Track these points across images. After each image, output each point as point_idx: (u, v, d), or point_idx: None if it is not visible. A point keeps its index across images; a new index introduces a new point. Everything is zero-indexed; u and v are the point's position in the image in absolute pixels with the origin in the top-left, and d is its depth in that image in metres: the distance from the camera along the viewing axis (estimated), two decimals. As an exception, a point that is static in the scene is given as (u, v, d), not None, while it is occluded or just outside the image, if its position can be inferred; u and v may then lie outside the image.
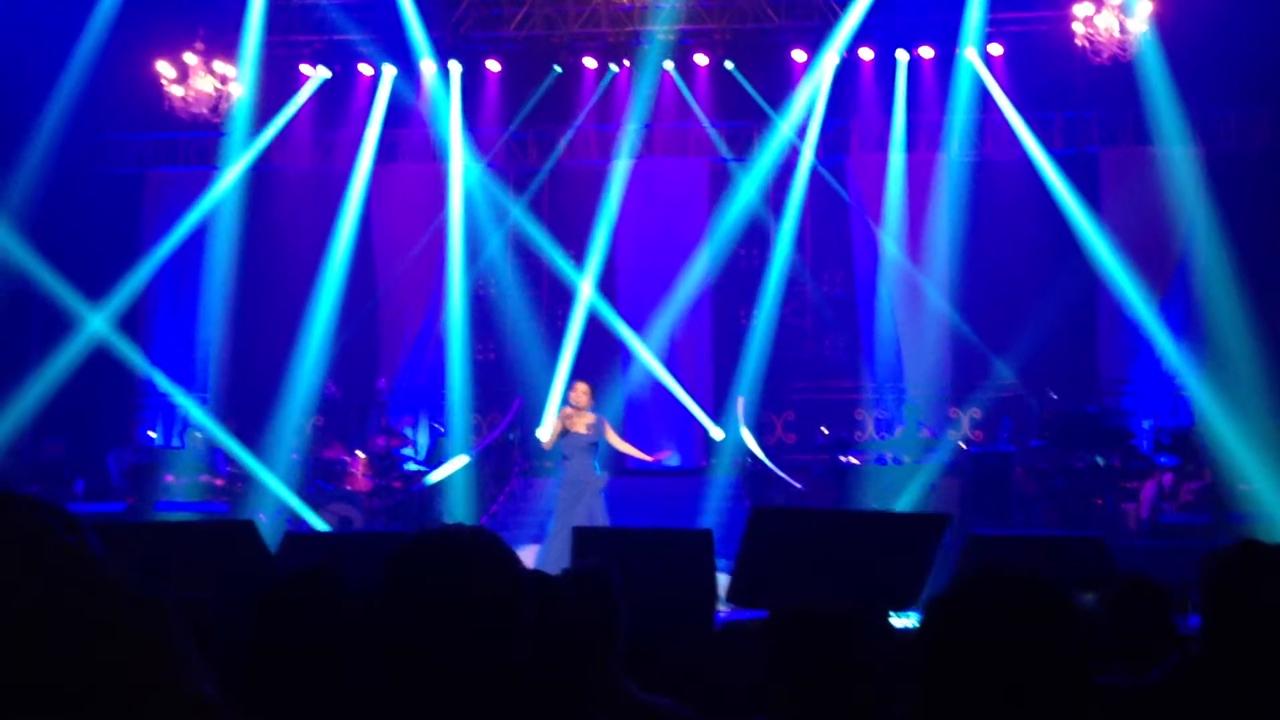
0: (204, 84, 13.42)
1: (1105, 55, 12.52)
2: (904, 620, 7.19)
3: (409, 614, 1.69)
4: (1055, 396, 13.24)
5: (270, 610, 2.27)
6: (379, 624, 1.72)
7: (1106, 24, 12.53)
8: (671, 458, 9.58)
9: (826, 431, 13.64)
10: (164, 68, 13.25)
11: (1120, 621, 3.65)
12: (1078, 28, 12.58)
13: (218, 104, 13.57)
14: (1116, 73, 12.96)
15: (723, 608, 7.08)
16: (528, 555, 11.36)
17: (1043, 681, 1.64)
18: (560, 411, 9.44)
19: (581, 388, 9.36)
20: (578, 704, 2.89)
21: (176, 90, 13.35)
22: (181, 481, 12.51)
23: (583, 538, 6.80)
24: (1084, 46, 12.56)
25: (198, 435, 13.29)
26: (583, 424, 9.23)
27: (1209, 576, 2.36)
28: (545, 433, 9.43)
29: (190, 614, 3.36)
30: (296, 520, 12.12)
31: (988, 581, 1.68)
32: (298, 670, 2.25)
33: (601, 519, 9.00)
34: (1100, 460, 12.01)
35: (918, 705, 1.78)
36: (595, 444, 9.26)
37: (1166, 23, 12.90)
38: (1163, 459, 12.10)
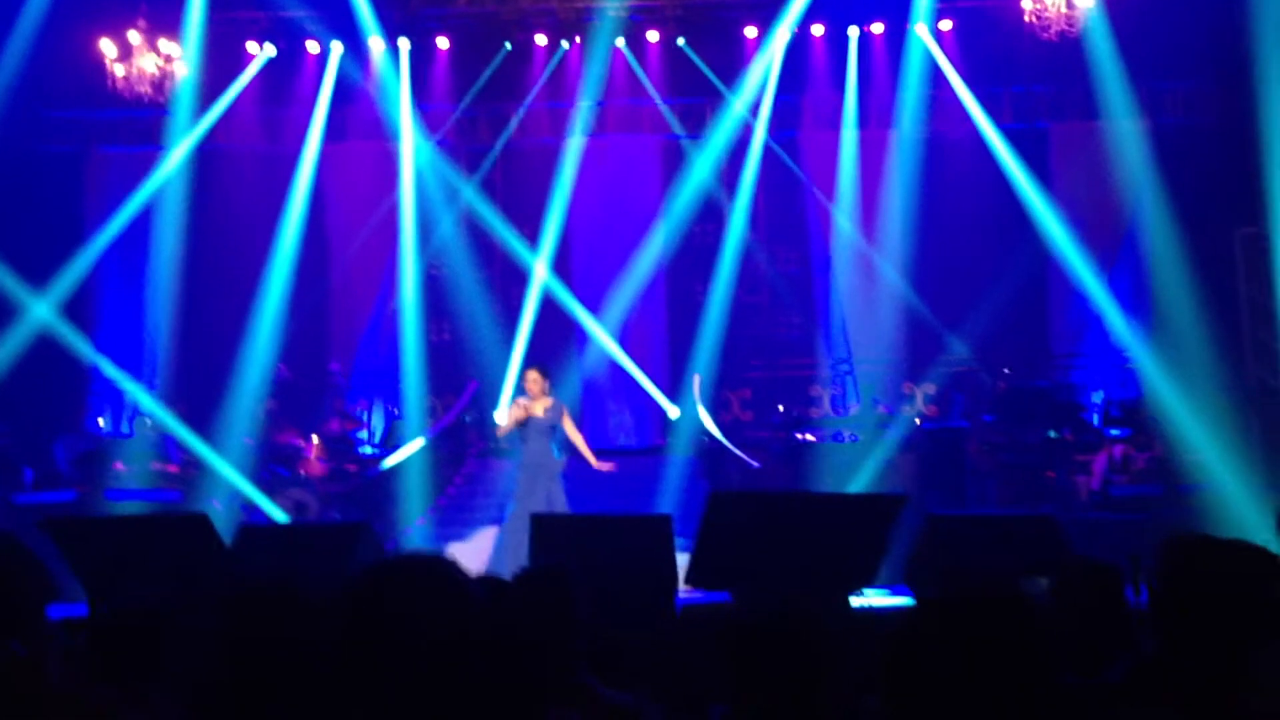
0: (147, 62, 13.14)
1: (1053, 30, 12.58)
2: (862, 600, 7.27)
3: (369, 649, 1.68)
4: (1008, 371, 13.38)
5: (229, 630, 2.24)
6: (339, 657, 1.70)
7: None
8: (612, 468, 9.49)
9: (783, 409, 13.70)
10: (106, 45, 12.96)
11: (1070, 609, 3.69)
12: (1026, 4, 12.63)
13: (162, 82, 13.29)
14: (1065, 48, 13.03)
15: (683, 590, 7.11)
16: (485, 538, 11.35)
17: (1008, 692, 1.64)
18: (515, 402, 9.37)
19: (532, 375, 9.29)
20: (540, 704, 2.88)
21: (119, 68, 13.06)
22: (132, 469, 12.32)
23: (541, 525, 6.79)
24: (1032, 22, 12.61)
25: (147, 422, 13.09)
26: (539, 408, 9.19)
27: (1169, 574, 2.38)
28: (502, 422, 9.36)
29: (149, 622, 3.32)
30: (250, 506, 12.00)
31: (953, 602, 1.68)
32: (258, 689, 2.22)
33: (560, 503, 8.98)
34: (1052, 434, 12.16)
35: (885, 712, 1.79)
36: (553, 427, 9.21)
37: (1114, -2, 13.00)
38: (1112, 431, 12.27)
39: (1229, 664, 2.18)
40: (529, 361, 11.42)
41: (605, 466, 9.35)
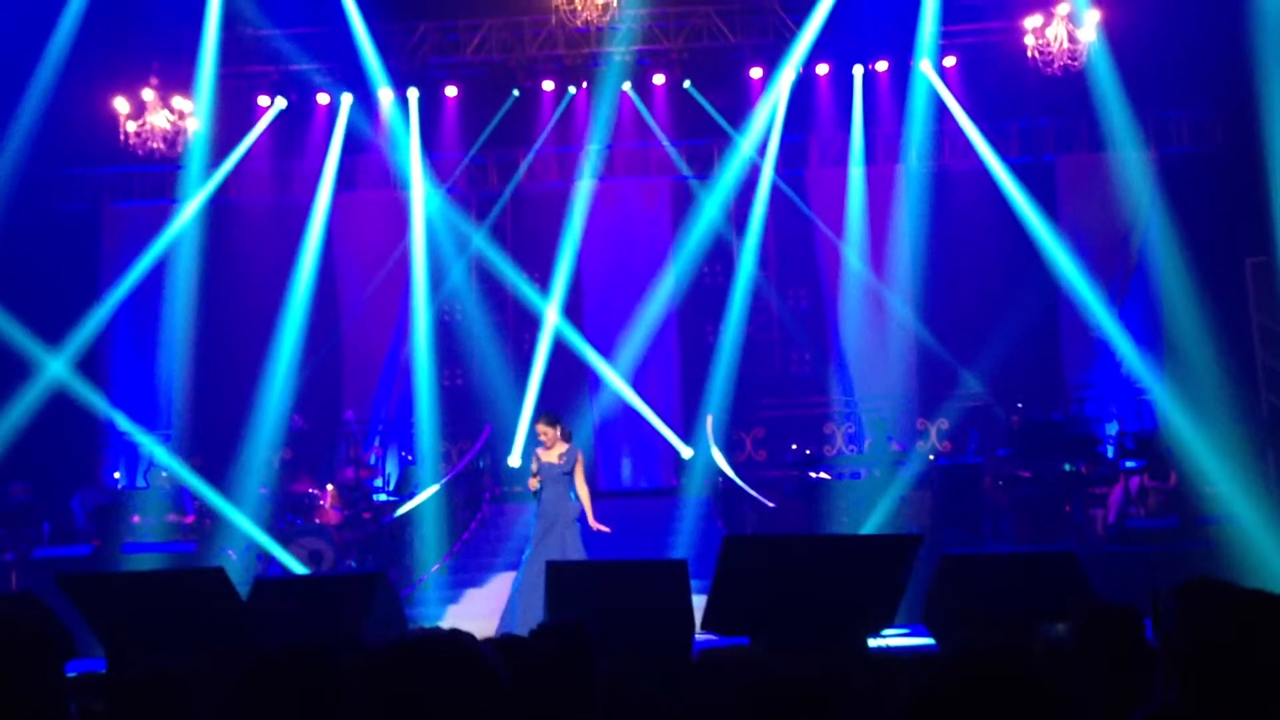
0: (160, 119, 13.31)
1: (1056, 65, 12.67)
2: (880, 641, 7.22)
3: None
4: (1021, 406, 13.35)
5: (247, 698, 2.26)
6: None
7: (1056, 34, 12.68)
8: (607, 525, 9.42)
9: (796, 447, 13.67)
10: (120, 103, 13.13)
11: (1093, 654, 3.67)
12: (1029, 39, 12.72)
13: (174, 138, 13.45)
14: (1069, 81, 13.12)
15: (700, 634, 7.07)
16: (502, 584, 11.33)
17: None
18: (534, 456, 9.40)
19: (542, 426, 9.36)
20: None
21: (132, 125, 13.23)
22: (148, 521, 12.35)
23: (557, 572, 6.77)
24: (1035, 57, 12.70)
25: (163, 474, 13.13)
26: (555, 454, 9.22)
27: (1183, 622, 2.37)
28: (532, 486, 9.34)
29: (171, 685, 3.33)
30: (266, 557, 12.00)
31: (969, 666, 1.69)
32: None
33: (575, 548, 8.95)
34: (1068, 467, 12.11)
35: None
36: (568, 473, 9.22)
37: (1115, 31, 13.07)
38: (1127, 463, 12.22)
39: (1249, 712, 2.17)
40: (538, 412, 11.44)
41: (601, 528, 9.29)
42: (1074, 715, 1.74)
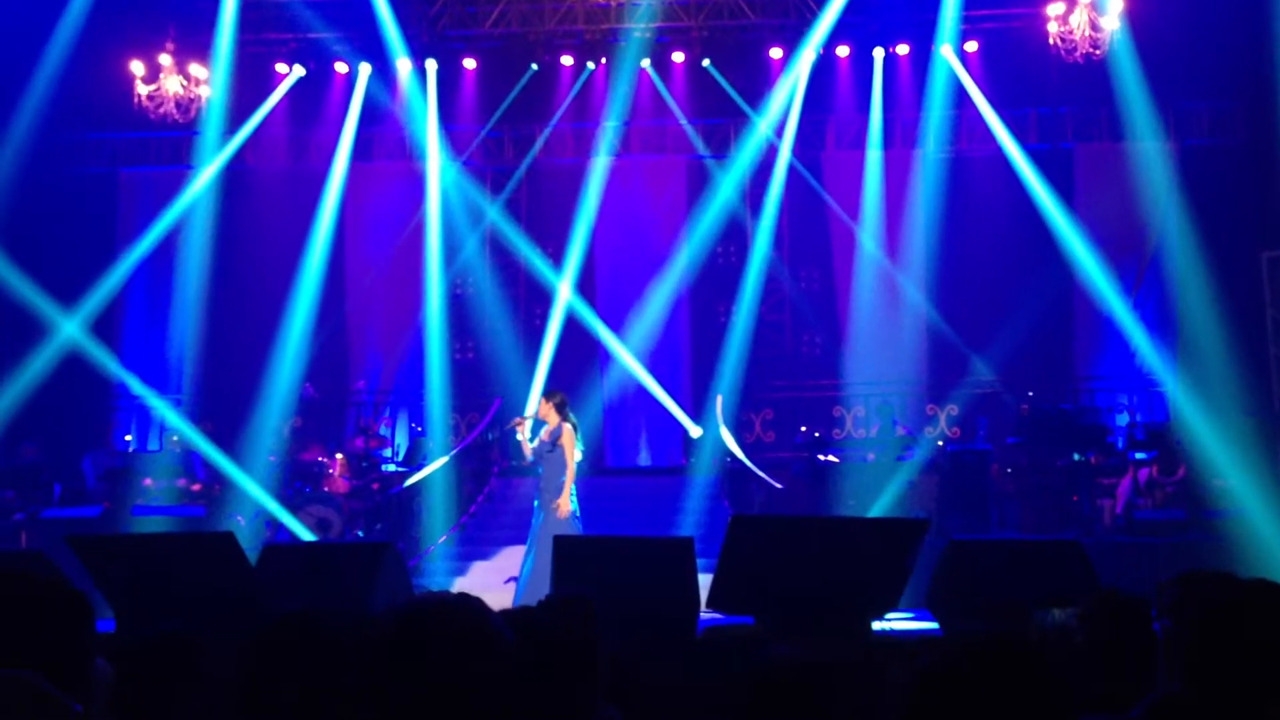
0: (175, 84, 13.31)
1: (1078, 52, 12.58)
2: (884, 624, 7.25)
3: (396, 694, 1.70)
4: (1031, 394, 13.32)
5: (254, 662, 2.28)
6: (371, 699, 1.73)
7: (1079, 21, 12.59)
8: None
9: (805, 429, 13.67)
10: (136, 68, 13.13)
11: (1098, 642, 3.67)
12: (1051, 26, 12.64)
13: (190, 104, 13.45)
14: (1090, 69, 13.03)
15: (705, 613, 7.09)
16: (509, 556, 11.36)
17: None
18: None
19: (541, 401, 9.42)
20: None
21: (145, 90, 13.23)
22: (159, 485, 12.43)
23: (562, 547, 6.80)
24: (1057, 44, 12.61)
25: (174, 438, 13.20)
26: (546, 430, 9.24)
27: (1184, 611, 2.38)
28: (524, 447, 9.38)
29: (180, 647, 3.36)
30: (274, 523, 12.07)
31: (967, 653, 1.70)
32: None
33: (559, 527, 8.89)
34: (1077, 457, 12.09)
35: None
36: (553, 450, 9.20)
37: (1138, 19, 12.98)
38: (1137, 455, 12.19)
39: (1254, 711, 2.18)
40: (552, 381, 11.44)
41: (561, 512, 9.10)
42: (1070, 697, 1.75)
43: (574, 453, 9.14)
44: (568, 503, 9.01)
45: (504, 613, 3.32)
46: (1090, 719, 2.79)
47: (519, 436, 9.42)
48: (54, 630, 1.70)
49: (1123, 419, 13.58)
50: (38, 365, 12.66)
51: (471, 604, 1.81)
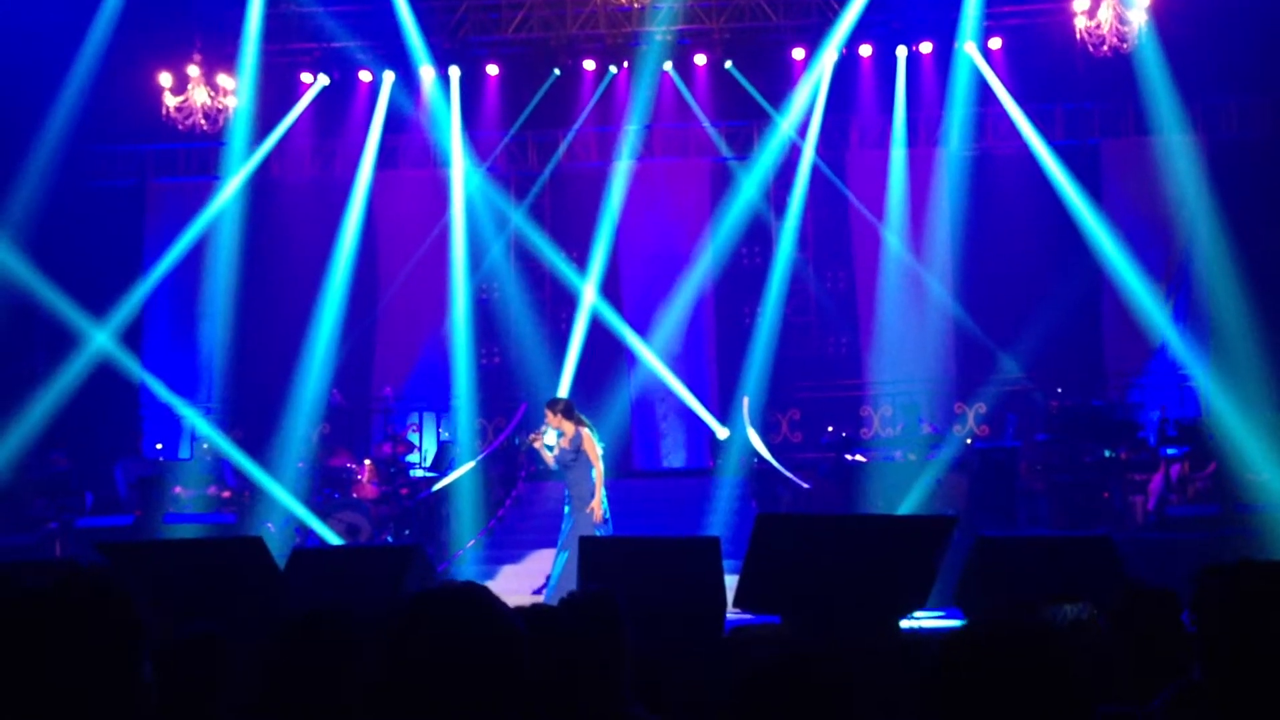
0: (203, 95, 13.42)
1: (1105, 47, 12.49)
2: (913, 623, 7.21)
3: (408, 679, 1.71)
4: (1061, 391, 13.22)
5: (281, 656, 2.30)
6: (382, 692, 1.74)
7: (1106, 15, 12.50)
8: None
9: (832, 429, 13.62)
10: (164, 79, 13.25)
11: (1127, 634, 3.65)
12: (1079, 21, 12.55)
13: (217, 114, 13.56)
14: (1116, 64, 12.94)
15: (731, 612, 7.08)
16: (537, 560, 11.37)
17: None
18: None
19: (547, 414, 9.42)
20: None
21: (173, 101, 13.35)
22: (189, 493, 12.52)
23: (589, 547, 6.80)
24: (1083, 38, 12.53)
25: (204, 446, 13.31)
26: (566, 439, 9.27)
27: (1208, 599, 2.35)
28: (546, 456, 9.41)
29: (207, 649, 3.39)
30: (304, 530, 12.14)
31: (986, 636, 1.69)
32: (309, 712, 2.27)
33: (586, 530, 8.91)
34: (1107, 453, 11.98)
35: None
36: (576, 457, 9.22)
37: (1165, 13, 12.86)
38: (1169, 450, 12.07)
39: (1272, 691, 2.15)
40: (576, 386, 11.44)
41: (596, 516, 9.13)
42: (1090, 686, 1.73)
43: (597, 454, 9.18)
44: (600, 505, 9.04)
45: (528, 609, 3.33)
46: (1111, 709, 2.76)
47: (537, 447, 9.45)
48: (107, 634, 1.70)
49: (1154, 415, 13.45)
50: (68, 375, 12.79)
51: (477, 592, 1.82)
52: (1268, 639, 2.19)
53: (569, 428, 9.27)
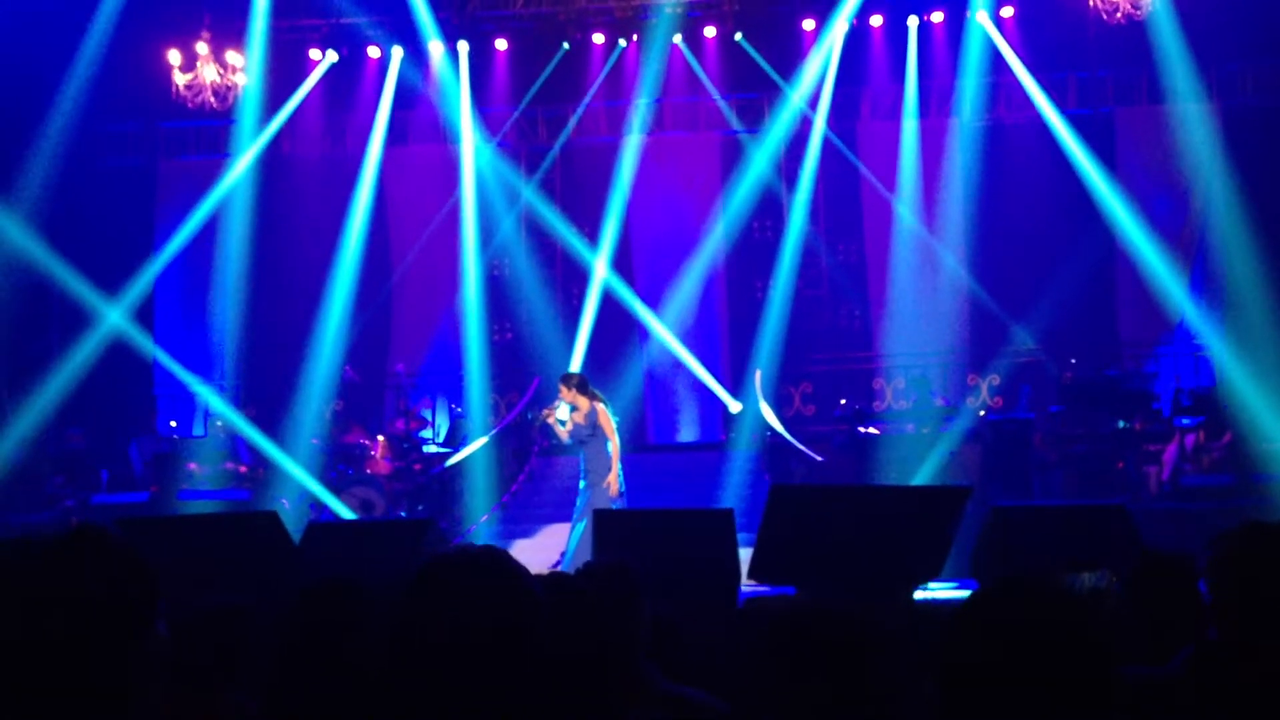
0: (212, 73, 13.39)
1: (1119, 14, 12.36)
2: (927, 594, 7.21)
3: (426, 650, 1.70)
4: (1074, 361, 13.16)
5: (295, 630, 2.30)
6: (398, 655, 1.74)
7: (1119, -18, 12.37)
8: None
9: (845, 402, 13.60)
10: (173, 57, 13.22)
11: (1144, 601, 3.63)
12: (1091, -13, 12.43)
13: (227, 92, 13.53)
14: (1130, 31, 12.81)
15: (745, 584, 7.09)
16: (551, 535, 11.41)
17: (1061, 680, 1.63)
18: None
19: (560, 387, 9.42)
20: (606, 699, 2.90)
21: (182, 79, 13.32)
22: (204, 470, 12.58)
23: (603, 520, 6.81)
24: (1096, 5, 12.40)
25: (219, 423, 13.36)
26: (581, 414, 9.26)
27: (1221, 561, 2.34)
28: (560, 432, 9.42)
29: (231, 622, 3.40)
30: (318, 505, 12.19)
31: (1005, 594, 1.68)
32: (328, 676, 2.28)
33: (602, 504, 8.91)
34: (1121, 424, 11.94)
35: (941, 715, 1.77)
36: (594, 433, 9.22)
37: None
38: (1183, 420, 12.03)
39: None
40: (589, 360, 11.43)
41: (613, 491, 9.15)
42: (1111, 652, 1.71)
43: (613, 428, 9.19)
44: (617, 479, 9.06)
45: (547, 576, 3.33)
46: (1131, 669, 2.75)
47: (550, 423, 9.46)
48: (116, 581, 1.70)
49: (1168, 385, 13.39)
50: (82, 353, 12.84)
51: (497, 554, 1.82)
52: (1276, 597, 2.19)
53: (583, 402, 9.27)
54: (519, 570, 1.82)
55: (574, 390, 9.34)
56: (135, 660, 1.66)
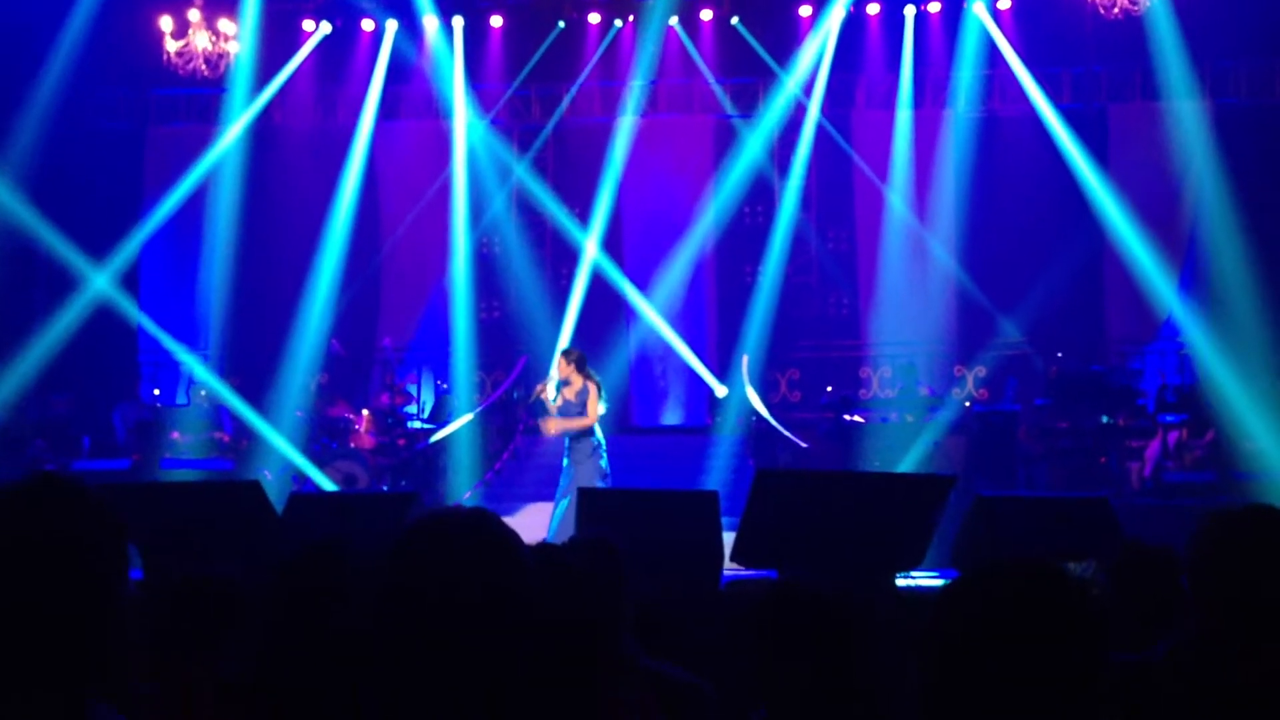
0: (204, 40, 13.28)
1: (1116, 9, 12.37)
2: (909, 581, 7.24)
3: (412, 609, 1.69)
4: (1061, 355, 13.21)
5: (287, 586, 2.29)
6: (382, 619, 1.72)
7: (1117, -23, 12.37)
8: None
9: (831, 390, 13.63)
10: (165, 24, 13.11)
11: (1126, 592, 3.66)
12: (1090, -18, 12.42)
13: (218, 60, 13.43)
14: (1126, 27, 12.82)
15: (729, 567, 7.11)
16: (534, 514, 11.39)
17: (1053, 671, 1.62)
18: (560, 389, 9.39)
19: (560, 361, 9.41)
20: (589, 674, 2.90)
21: (174, 45, 13.21)
22: (187, 439, 12.54)
23: (587, 499, 6.82)
24: (1094, 0, 12.40)
25: (202, 392, 13.31)
26: (572, 392, 9.24)
27: (1210, 544, 2.35)
28: (550, 409, 9.39)
29: (221, 590, 3.38)
30: (301, 478, 12.16)
31: (996, 573, 1.66)
32: (316, 642, 2.27)
33: (588, 482, 8.91)
34: (1106, 419, 11.99)
35: (925, 696, 1.76)
36: (581, 410, 9.21)
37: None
38: (1167, 417, 12.09)
39: (1263, 634, 2.15)
40: (576, 340, 11.42)
41: (550, 430, 9.27)
42: (1100, 639, 1.70)
43: (598, 413, 9.15)
44: (556, 424, 9.09)
45: (535, 546, 3.33)
46: (1120, 656, 2.76)
47: (544, 399, 9.42)
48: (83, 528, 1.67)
49: (1153, 381, 13.45)
50: (67, 319, 12.76)
51: (486, 515, 1.81)
52: (1256, 583, 2.20)
53: (578, 380, 9.25)
54: (509, 531, 1.80)
55: (572, 366, 9.32)
56: (104, 612, 1.64)
